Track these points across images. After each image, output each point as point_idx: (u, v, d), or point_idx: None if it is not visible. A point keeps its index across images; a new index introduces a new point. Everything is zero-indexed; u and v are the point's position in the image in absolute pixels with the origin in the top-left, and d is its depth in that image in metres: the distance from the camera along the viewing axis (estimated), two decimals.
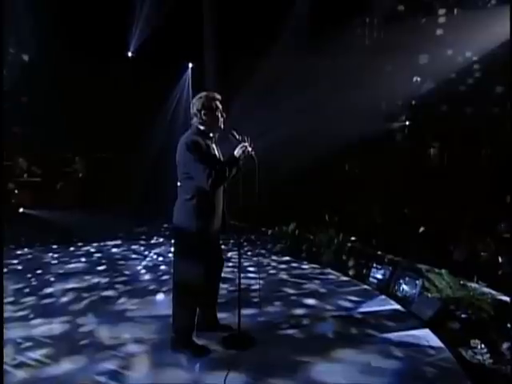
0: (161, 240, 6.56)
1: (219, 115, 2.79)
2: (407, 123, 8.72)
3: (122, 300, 3.79)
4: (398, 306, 3.67)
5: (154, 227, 7.43)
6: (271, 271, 4.82)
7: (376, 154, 8.37)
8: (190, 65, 9.69)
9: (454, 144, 7.80)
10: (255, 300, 3.72)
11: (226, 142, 2.97)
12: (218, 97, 2.81)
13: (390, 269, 4.40)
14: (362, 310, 3.59)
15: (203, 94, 2.81)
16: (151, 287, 4.17)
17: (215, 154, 2.81)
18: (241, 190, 2.86)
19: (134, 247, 6.02)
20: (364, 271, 4.71)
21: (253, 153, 2.75)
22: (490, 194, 6.15)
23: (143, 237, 6.75)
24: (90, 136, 8.54)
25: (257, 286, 4.15)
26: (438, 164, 8.15)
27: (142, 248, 5.99)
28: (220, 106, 2.81)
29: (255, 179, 2.85)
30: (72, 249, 5.89)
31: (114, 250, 5.87)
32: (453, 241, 5.22)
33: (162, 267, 4.94)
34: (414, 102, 8.51)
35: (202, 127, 2.79)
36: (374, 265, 4.59)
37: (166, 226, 7.49)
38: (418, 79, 8.38)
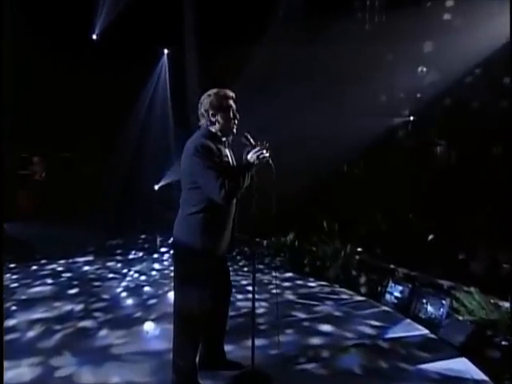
0: (140, 254, 6.34)
1: (232, 116, 2.62)
2: (411, 118, 8.72)
3: (104, 332, 3.53)
4: (426, 331, 3.59)
5: (129, 239, 7.20)
6: (274, 291, 4.64)
7: (378, 153, 8.33)
8: (166, 51, 9.39)
9: (464, 141, 7.83)
10: (262, 328, 3.56)
11: (236, 147, 2.80)
12: (231, 94, 2.65)
13: (409, 286, 4.33)
14: (387, 337, 3.50)
15: (213, 91, 2.64)
16: (137, 314, 3.94)
17: (229, 161, 2.64)
18: (255, 200, 2.67)
19: (109, 264, 5.78)
20: (378, 289, 4.64)
21: (270, 159, 2.59)
22: (508, 196, 6.17)
23: (119, 251, 6.51)
24: (50, 132, 8.13)
25: (262, 310, 4.01)
26: (447, 163, 8.17)
27: (119, 265, 5.76)
28: (233, 105, 2.65)
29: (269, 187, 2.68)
30: (34, 268, 5.55)
31: (86, 267, 5.59)
32: (469, 251, 5.21)
33: (146, 289, 4.72)
34: (418, 95, 8.52)
35: (212, 129, 2.61)
36: (390, 281, 4.52)
37: (143, 237, 7.23)
38: (424, 69, 8.40)
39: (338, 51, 7.58)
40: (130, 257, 6.23)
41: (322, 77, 7.68)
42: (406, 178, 7.25)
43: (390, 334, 3.53)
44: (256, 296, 4.29)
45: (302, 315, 3.96)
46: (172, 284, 4.61)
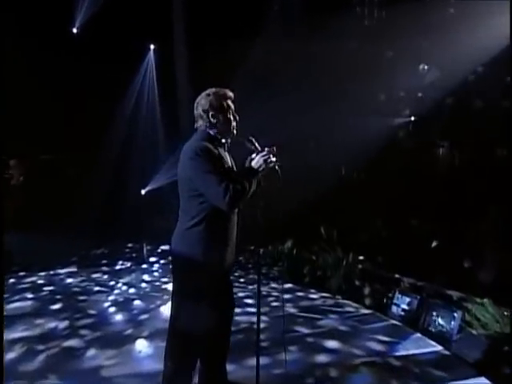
0: (128, 265, 6.25)
1: (231, 117, 2.57)
2: (412, 119, 8.73)
3: (92, 352, 3.43)
4: (439, 347, 3.56)
5: (115, 248, 7.10)
6: (274, 303, 4.60)
7: (377, 156, 8.32)
8: (152, 46, 9.30)
9: (468, 142, 7.86)
10: (264, 344, 3.48)
11: (234, 151, 2.74)
12: (230, 94, 2.61)
13: (418, 297, 4.30)
14: (398, 353, 3.45)
15: (211, 90, 2.59)
16: (128, 332, 3.85)
17: (230, 166, 2.59)
18: (261, 208, 2.62)
19: (94, 276, 5.68)
20: (384, 300, 4.61)
21: (277, 164, 2.53)
22: None
23: (104, 261, 6.42)
24: (29, 133, 7.96)
25: (262, 325, 3.91)
26: (450, 166, 8.18)
27: (106, 276, 5.67)
28: (232, 106, 2.60)
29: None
30: (12, 281, 5.40)
31: (70, 280, 5.48)
32: (476, 258, 5.20)
33: (137, 302, 4.63)
34: (420, 94, 8.53)
35: (211, 132, 2.56)
36: (396, 292, 4.49)
37: (130, 245, 7.11)
38: (426, 67, 8.43)
39: (335, 48, 7.56)
40: (117, 267, 6.13)
41: (318, 75, 7.65)
42: (408, 182, 7.24)
43: (401, 351, 3.49)
44: (254, 310, 4.30)
45: (305, 330, 3.91)
46: (164, 297, 4.66)
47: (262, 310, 4.26)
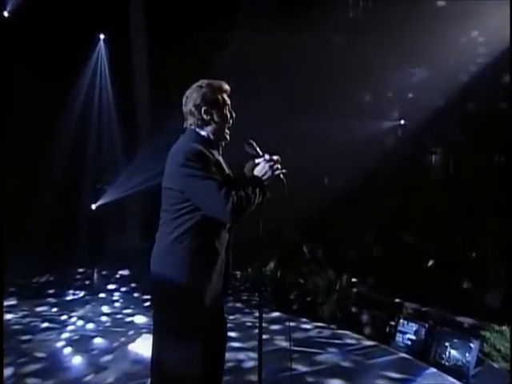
0: (81, 294, 6.03)
1: (228, 114, 2.49)
2: (402, 123, 8.92)
3: None
4: None
5: (64, 274, 6.88)
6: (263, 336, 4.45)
7: (363, 162, 8.42)
8: (102, 36, 9.09)
9: (464, 148, 8.08)
10: None
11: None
12: (227, 87, 2.52)
13: (426, 325, 4.28)
14: None
15: (204, 82, 2.49)
16: (88, 378, 3.61)
17: (228, 172, 2.49)
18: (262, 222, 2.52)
19: (40, 309, 5.41)
20: (387, 329, 4.58)
21: (282, 173, 2.46)
22: None
23: (51, 291, 6.18)
24: None
25: (251, 363, 3.82)
26: (445, 175, 8.38)
27: (55, 309, 5.42)
28: (229, 101, 2.52)
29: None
30: None
31: (8, 316, 5.16)
32: (488, 278, 5.27)
33: (97, 340, 4.41)
34: (410, 95, 8.74)
35: (203, 132, 2.46)
36: (401, 320, 4.47)
37: (81, 270, 6.83)
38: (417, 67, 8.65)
39: (316, 43, 7.64)
40: (68, 298, 5.94)
41: (297, 73, 7.70)
42: (407, 194, 7.34)
43: None
44: (240, 344, 4.19)
45: (302, 368, 3.82)
46: (130, 332, 4.45)
47: (249, 344, 4.20)
